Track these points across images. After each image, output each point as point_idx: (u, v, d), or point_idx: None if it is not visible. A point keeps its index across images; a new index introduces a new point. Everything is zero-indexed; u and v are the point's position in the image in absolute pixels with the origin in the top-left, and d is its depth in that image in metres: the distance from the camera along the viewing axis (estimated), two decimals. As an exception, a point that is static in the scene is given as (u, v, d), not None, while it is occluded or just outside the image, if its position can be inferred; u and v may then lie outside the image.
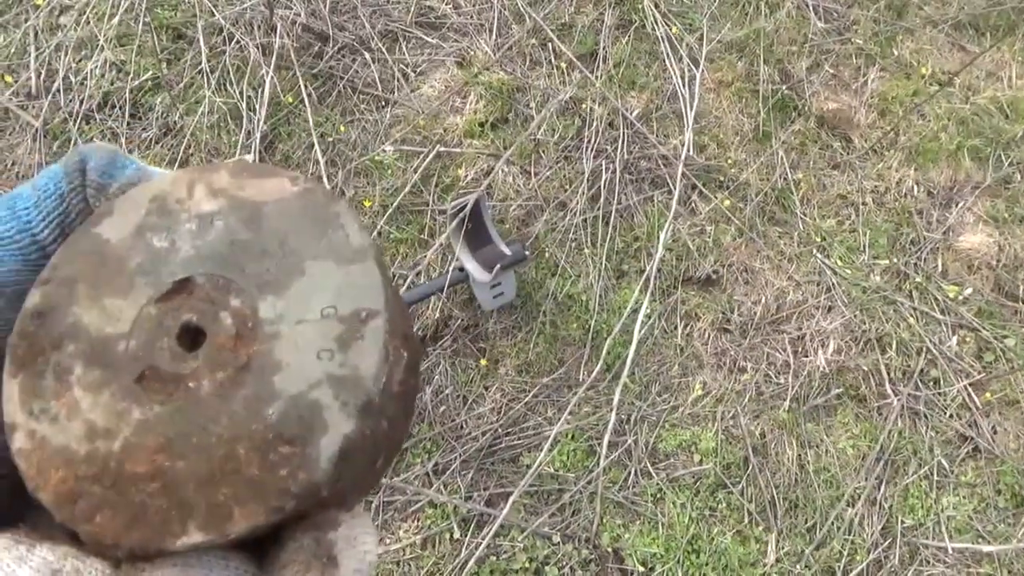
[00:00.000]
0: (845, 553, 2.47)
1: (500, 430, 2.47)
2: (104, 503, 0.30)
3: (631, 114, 2.87)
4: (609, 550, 2.41)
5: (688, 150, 2.78)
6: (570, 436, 2.50)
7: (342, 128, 2.63)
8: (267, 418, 0.30)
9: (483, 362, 2.53)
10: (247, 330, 0.32)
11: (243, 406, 0.31)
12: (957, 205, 3.04)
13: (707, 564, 2.42)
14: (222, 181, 0.35)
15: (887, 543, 2.51)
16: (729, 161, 2.92)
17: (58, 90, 2.45)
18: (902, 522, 2.53)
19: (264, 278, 0.33)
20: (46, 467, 0.31)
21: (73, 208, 0.37)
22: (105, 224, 0.34)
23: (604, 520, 2.43)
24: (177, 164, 2.46)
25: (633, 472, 2.49)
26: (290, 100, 2.61)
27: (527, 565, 2.33)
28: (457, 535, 2.33)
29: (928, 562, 2.50)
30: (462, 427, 2.46)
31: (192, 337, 0.32)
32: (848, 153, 3.05)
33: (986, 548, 2.49)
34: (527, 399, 2.51)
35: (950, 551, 2.51)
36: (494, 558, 2.33)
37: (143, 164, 0.39)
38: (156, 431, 0.30)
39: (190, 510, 0.30)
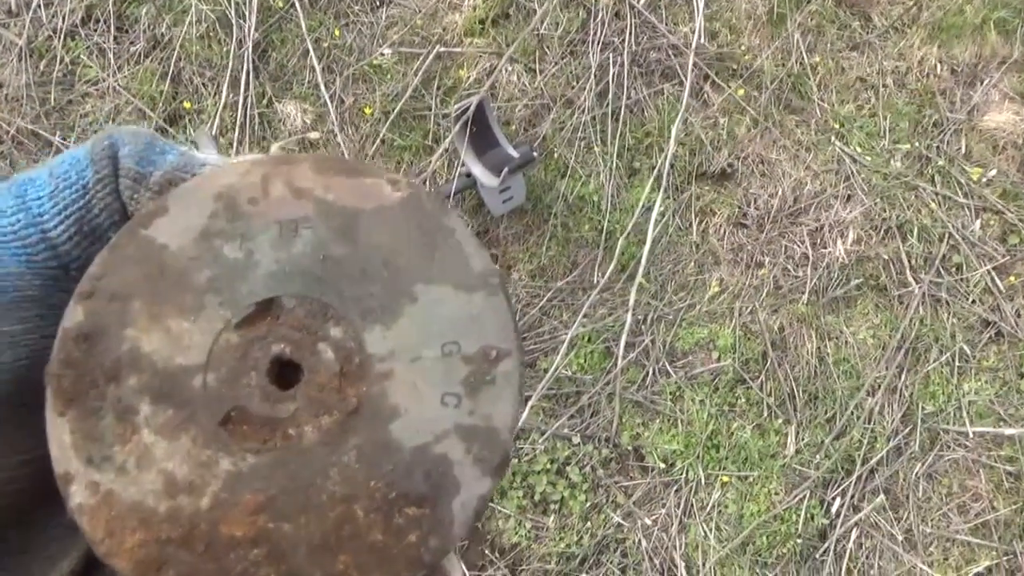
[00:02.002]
0: (865, 442, 2.47)
1: (516, 336, 2.46)
2: (198, 572, 0.26)
3: (638, 2, 2.73)
4: (629, 448, 2.43)
5: (699, 38, 2.65)
6: (586, 339, 2.48)
7: (337, 32, 2.52)
8: (387, 474, 0.26)
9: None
10: (353, 367, 0.27)
11: (356, 459, 0.26)
12: (982, 83, 2.91)
13: (727, 458, 2.44)
14: (305, 178, 0.29)
15: (907, 430, 2.51)
16: (742, 48, 2.79)
17: (39, 5, 2.35)
18: (923, 409, 2.53)
19: (367, 304, 0.28)
20: (118, 528, 0.26)
21: (98, 202, 0.31)
22: (159, 225, 0.28)
23: (623, 420, 2.44)
24: (169, 79, 2.37)
25: (651, 371, 2.49)
26: (280, 4, 2.49)
27: (548, 466, 2.36)
28: (478, 440, 2.35)
29: (948, 447, 2.51)
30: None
31: (285, 373, 0.27)
32: (867, 32, 2.90)
33: (1007, 431, 2.49)
34: (542, 303, 2.49)
35: (971, 435, 2.51)
36: (516, 461, 2.35)
37: (186, 148, 0.33)
38: (253, 486, 0.26)
39: None
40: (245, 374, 0.27)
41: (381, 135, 2.45)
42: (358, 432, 0.27)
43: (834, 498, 2.44)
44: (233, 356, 0.27)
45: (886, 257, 2.67)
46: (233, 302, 0.28)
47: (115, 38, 2.38)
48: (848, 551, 2.41)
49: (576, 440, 2.40)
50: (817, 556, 2.41)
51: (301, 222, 0.28)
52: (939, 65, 2.91)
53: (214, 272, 0.28)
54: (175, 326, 0.27)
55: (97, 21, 2.39)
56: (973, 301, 2.65)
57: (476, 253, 0.29)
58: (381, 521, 0.26)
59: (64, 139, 2.29)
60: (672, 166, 2.62)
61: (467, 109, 2.24)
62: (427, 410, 0.27)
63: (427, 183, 2.45)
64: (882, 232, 2.70)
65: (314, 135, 2.36)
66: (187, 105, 2.38)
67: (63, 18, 2.34)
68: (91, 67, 2.35)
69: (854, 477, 2.44)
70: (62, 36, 2.33)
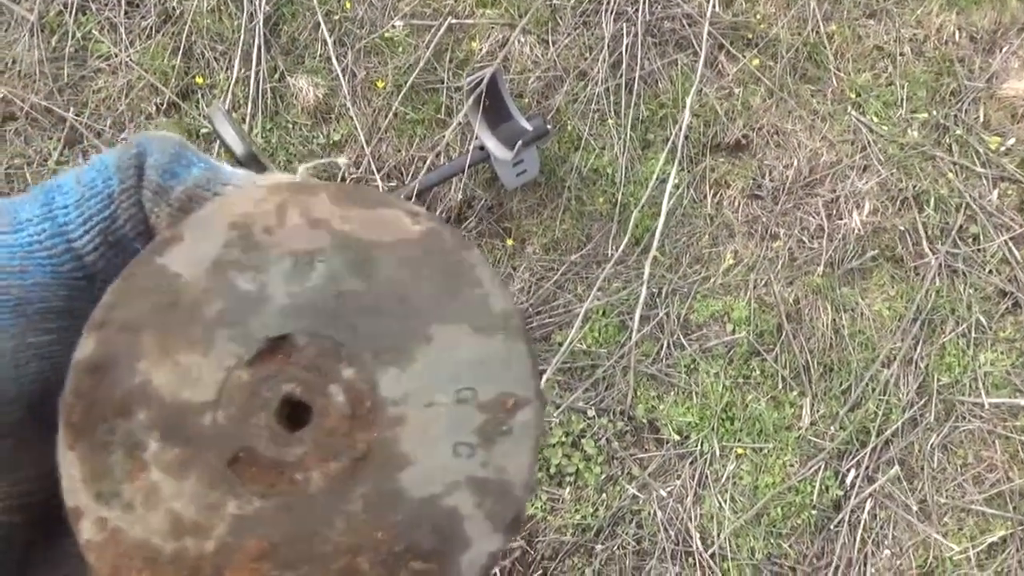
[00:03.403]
0: (880, 413, 2.47)
1: (530, 309, 2.46)
2: None
3: (652, -29, 2.69)
4: (644, 421, 2.44)
5: (714, 7, 2.62)
6: (601, 312, 2.48)
7: (348, 5, 2.50)
8: (394, 525, 0.25)
9: (509, 242, 2.50)
10: (364, 410, 0.26)
11: (363, 508, 0.25)
12: (1001, 50, 2.86)
13: (741, 430, 2.45)
14: (321, 209, 0.28)
15: (923, 402, 2.51)
16: (758, 16, 2.75)
17: (49, -19, 2.34)
18: (938, 380, 2.52)
19: (381, 343, 0.27)
20: (123, 566, 0.25)
21: (122, 212, 0.31)
22: (173, 253, 0.27)
23: (638, 392, 2.44)
24: (181, 54, 2.36)
25: (666, 344, 2.49)
26: (291, -23, 2.47)
27: (564, 439, 2.37)
28: (493, 414, 2.37)
29: (964, 418, 2.51)
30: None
31: (294, 414, 0.27)
32: (885, 0, 2.86)
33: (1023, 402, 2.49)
34: (556, 277, 2.49)
35: (986, 406, 2.50)
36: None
37: (214, 162, 0.32)
38: (258, 531, 0.25)
39: None
40: (254, 414, 0.26)
41: (394, 109, 2.43)
42: (366, 480, 0.26)
43: (849, 469, 2.44)
44: (243, 394, 0.26)
45: (902, 228, 2.65)
46: (244, 337, 0.27)
47: (126, 13, 2.36)
48: (863, 522, 2.42)
49: (591, 413, 2.41)
50: (832, 527, 2.42)
51: (316, 254, 0.27)
52: (958, 32, 2.87)
53: (226, 305, 0.27)
54: (185, 360, 0.27)
55: (107, -5, 2.37)
56: (990, 272, 2.63)
57: (497, 292, 0.28)
58: (386, 574, 0.25)
59: (78, 115, 2.29)
60: (686, 137, 2.60)
61: (480, 82, 2.22)
62: (438, 460, 0.26)
63: (441, 156, 2.44)
64: (898, 203, 2.68)
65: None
66: (199, 80, 2.37)
67: (73, -7, 2.33)
68: (103, 42, 2.34)
69: (869, 448, 2.45)
70: (73, 11, 2.32)
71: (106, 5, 2.36)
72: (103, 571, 0.26)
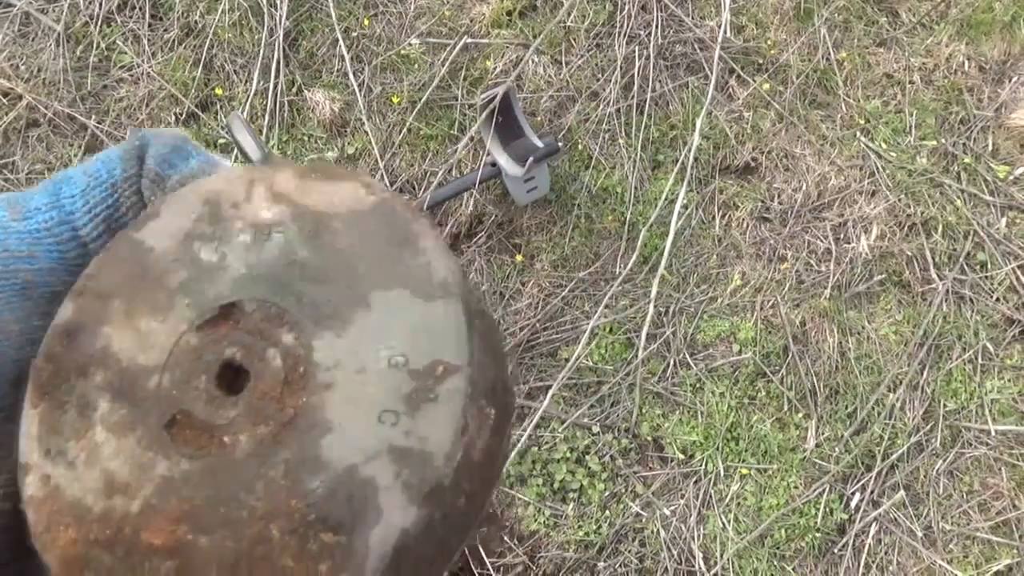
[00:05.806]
0: (885, 437, 2.47)
1: (538, 325, 2.48)
2: None
3: (665, -4, 2.74)
4: (649, 439, 2.44)
5: (725, 32, 2.66)
6: (608, 329, 2.50)
7: (366, 22, 2.55)
8: (309, 493, 0.25)
9: (518, 258, 2.52)
10: (297, 375, 0.26)
11: (283, 474, 0.25)
12: (1011, 80, 2.89)
13: (746, 450, 2.45)
14: (286, 183, 0.29)
15: (928, 427, 2.51)
16: (768, 42, 2.79)
17: (76, -7, 2.40)
18: (944, 406, 2.52)
19: (322, 310, 0.27)
20: (56, 522, 0.26)
21: (124, 200, 0.32)
22: (150, 228, 0.29)
23: (643, 410, 2.45)
24: (202, 66, 2.41)
25: (672, 363, 2.50)
26: (311, -6, 2.53)
27: (568, 455, 2.37)
28: (498, 427, 2.37)
29: (970, 444, 2.50)
30: (500, 323, 2.47)
31: (233, 377, 0.27)
32: (895, 28, 2.90)
33: (1030, 429, 2.48)
34: (564, 294, 2.51)
35: (993, 433, 2.50)
36: (535, 449, 2.37)
37: (213, 156, 0.34)
38: (181, 493, 0.25)
39: None
40: (196, 377, 0.27)
41: (408, 124, 2.47)
42: (290, 445, 0.26)
43: (853, 493, 2.44)
44: (189, 358, 0.27)
45: (910, 253, 2.66)
46: (200, 304, 0.27)
47: (150, 25, 2.42)
48: (867, 546, 2.41)
49: (596, 429, 2.41)
50: (836, 550, 2.41)
51: (274, 226, 0.28)
52: (967, 62, 2.90)
53: (188, 274, 0.28)
54: (144, 325, 0.27)
55: (133, 8, 2.43)
56: (997, 299, 2.63)
57: (440, 260, 0.28)
58: (295, 545, 0.25)
59: (99, 123, 2.34)
60: (696, 159, 2.63)
61: (493, 99, 2.26)
62: (362, 427, 0.26)
63: (453, 171, 2.48)
64: (906, 228, 2.69)
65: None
66: (219, 92, 2.42)
67: (100, 4, 2.39)
68: (126, 53, 2.40)
69: (874, 472, 2.44)
70: (98, 22, 2.37)
71: (131, 17, 2.42)
72: (38, 527, 0.26)
